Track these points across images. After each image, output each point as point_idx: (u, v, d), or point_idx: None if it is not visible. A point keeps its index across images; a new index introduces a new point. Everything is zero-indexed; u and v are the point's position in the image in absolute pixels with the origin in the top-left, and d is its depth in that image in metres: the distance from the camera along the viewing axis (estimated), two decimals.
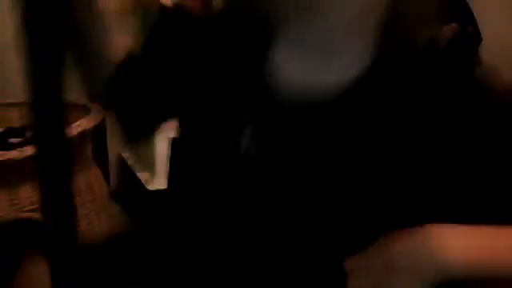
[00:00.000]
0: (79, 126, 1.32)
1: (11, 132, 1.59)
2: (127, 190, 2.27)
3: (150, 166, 1.86)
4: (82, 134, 1.33)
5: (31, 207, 1.26)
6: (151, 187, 1.80)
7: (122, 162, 2.26)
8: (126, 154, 2.15)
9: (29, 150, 1.19)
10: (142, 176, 1.87)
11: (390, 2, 0.42)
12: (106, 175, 2.20)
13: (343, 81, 0.43)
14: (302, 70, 0.44)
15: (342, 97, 0.43)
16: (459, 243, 0.43)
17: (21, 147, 1.22)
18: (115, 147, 2.19)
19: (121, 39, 0.54)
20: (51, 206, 0.50)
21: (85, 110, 1.54)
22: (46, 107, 0.47)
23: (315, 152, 0.46)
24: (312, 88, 0.44)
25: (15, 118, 1.74)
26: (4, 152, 1.19)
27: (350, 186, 0.46)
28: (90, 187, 1.44)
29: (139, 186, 1.87)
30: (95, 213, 1.45)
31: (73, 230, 0.51)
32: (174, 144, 0.59)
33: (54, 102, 0.47)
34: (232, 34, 0.48)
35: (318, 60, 0.43)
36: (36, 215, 1.27)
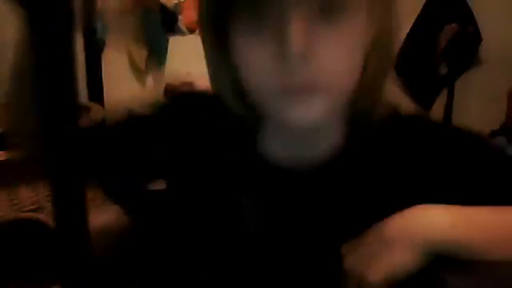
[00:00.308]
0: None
1: None
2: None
3: None
4: None
5: (31, 207, 1.26)
6: (151, 187, 1.80)
7: None
8: None
9: None
10: None
11: (355, 85, 0.47)
12: None
13: (322, 155, 0.52)
14: (286, 147, 0.53)
15: (322, 167, 0.52)
16: (445, 214, 0.48)
17: None
18: None
19: None
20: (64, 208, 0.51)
21: (85, 110, 1.54)
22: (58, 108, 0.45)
23: (303, 216, 0.53)
24: (295, 161, 0.52)
25: None
26: (4, 152, 1.19)
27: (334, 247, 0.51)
28: (89, 187, 1.44)
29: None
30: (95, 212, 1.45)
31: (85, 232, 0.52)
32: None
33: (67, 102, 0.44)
34: (226, 117, 0.54)
35: (297, 140, 0.52)
36: (36, 215, 1.27)
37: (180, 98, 0.64)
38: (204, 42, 0.50)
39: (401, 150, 0.53)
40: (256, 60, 0.44)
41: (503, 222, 0.49)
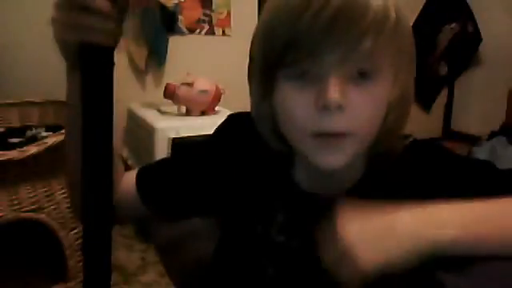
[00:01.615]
0: None
1: (11, 132, 1.59)
2: None
3: None
4: None
5: (31, 207, 1.26)
6: None
7: (121, 161, 2.25)
8: (126, 154, 2.16)
9: (29, 150, 1.19)
10: None
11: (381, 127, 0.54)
12: None
13: (345, 187, 0.59)
14: (313, 179, 0.62)
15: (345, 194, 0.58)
16: (454, 223, 0.49)
17: (21, 147, 1.22)
18: (115, 147, 2.18)
19: None
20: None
21: None
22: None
23: None
24: (321, 189, 0.61)
25: (15, 118, 1.74)
26: (4, 152, 1.19)
27: None
28: None
29: None
30: None
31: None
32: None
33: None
34: (266, 151, 0.62)
35: (323, 176, 0.58)
36: (36, 215, 1.27)
37: (234, 121, 0.71)
38: (251, 85, 0.59)
39: (415, 179, 0.58)
40: (296, 108, 0.52)
41: (496, 213, 0.50)
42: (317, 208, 0.59)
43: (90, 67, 0.54)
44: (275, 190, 0.64)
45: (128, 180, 0.68)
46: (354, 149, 0.53)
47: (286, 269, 0.63)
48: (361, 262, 0.47)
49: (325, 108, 0.49)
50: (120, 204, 0.64)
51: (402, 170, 0.58)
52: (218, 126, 0.70)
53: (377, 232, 0.49)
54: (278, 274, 0.63)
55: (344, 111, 0.49)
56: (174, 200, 0.68)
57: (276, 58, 0.51)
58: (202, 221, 0.71)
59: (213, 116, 1.98)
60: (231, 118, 0.70)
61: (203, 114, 1.98)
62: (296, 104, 0.51)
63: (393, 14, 0.49)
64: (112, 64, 0.56)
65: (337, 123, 0.50)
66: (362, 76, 0.50)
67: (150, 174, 0.69)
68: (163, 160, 0.72)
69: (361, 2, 0.48)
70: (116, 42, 0.55)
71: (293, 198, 0.63)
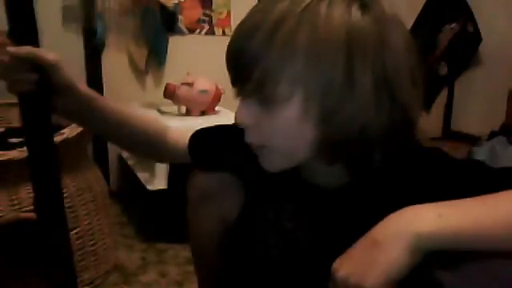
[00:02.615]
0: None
1: (11, 132, 1.59)
2: (127, 189, 2.28)
3: (150, 166, 1.86)
4: (82, 134, 1.32)
5: (31, 207, 1.26)
6: (151, 187, 1.81)
7: (121, 161, 2.27)
8: (125, 154, 2.16)
9: None
10: (142, 176, 1.87)
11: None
12: (106, 175, 2.22)
13: (337, 183, 0.64)
14: (309, 176, 0.66)
15: (344, 188, 0.63)
16: (432, 208, 0.49)
17: (21, 147, 1.22)
18: (115, 147, 2.19)
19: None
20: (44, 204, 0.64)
21: None
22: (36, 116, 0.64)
23: (326, 222, 0.66)
24: (323, 184, 0.65)
25: (15, 118, 1.74)
26: (4, 152, 1.19)
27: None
28: (90, 187, 1.44)
29: (139, 185, 1.87)
30: (95, 213, 1.45)
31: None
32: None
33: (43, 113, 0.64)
34: None
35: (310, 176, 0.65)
36: (36, 215, 1.27)
37: None
38: None
39: (407, 176, 0.59)
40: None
41: (492, 209, 0.49)
42: (320, 198, 0.65)
43: (28, 113, 0.63)
44: (286, 181, 0.67)
45: (182, 133, 0.80)
46: (279, 158, 0.60)
47: (290, 252, 0.68)
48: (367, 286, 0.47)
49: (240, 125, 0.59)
50: (168, 146, 0.79)
51: (389, 175, 0.59)
52: None
53: (362, 261, 0.49)
54: (282, 256, 0.68)
55: (252, 129, 0.58)
56: (215, 160, 0.77)
57: None
58: (231, 178, 0.77)
59: (213, 116, 1.98)
60: None
61: (203, 114, 1.98)
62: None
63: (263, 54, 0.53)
64: (48, 108, 0.64)
65: (248, 137, 0.59)
66: (266, 102, 0.55)
67: (203, 134, 0.79)
68: (218, 126, 0.81)
69: (247, 54, 0.54)
70: (45, 89, 0.63)
71: (300, 189, 0.67)
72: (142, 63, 2.25)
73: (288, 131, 0.57)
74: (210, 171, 0.77)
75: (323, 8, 0.52)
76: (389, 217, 0.50)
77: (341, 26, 0.52)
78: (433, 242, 0.47)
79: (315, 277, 0.60)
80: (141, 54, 2.23)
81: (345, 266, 0.50)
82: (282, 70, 0.53)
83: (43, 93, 0.63)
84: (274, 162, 0.61)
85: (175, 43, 2.30)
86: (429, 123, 3.34)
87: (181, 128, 0.83)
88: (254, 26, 0.54)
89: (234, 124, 0.76)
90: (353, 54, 0.52)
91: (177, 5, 2.28)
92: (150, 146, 0.80)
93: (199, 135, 0.79)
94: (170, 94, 1.92)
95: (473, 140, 2.80)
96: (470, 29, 3.14)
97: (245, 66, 0.54)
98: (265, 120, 0.57)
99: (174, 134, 0.80)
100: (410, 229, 0.47)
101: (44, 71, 0.64)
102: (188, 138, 0.78)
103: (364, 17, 0.53)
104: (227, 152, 0.76)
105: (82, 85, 0.70)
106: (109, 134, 0.80)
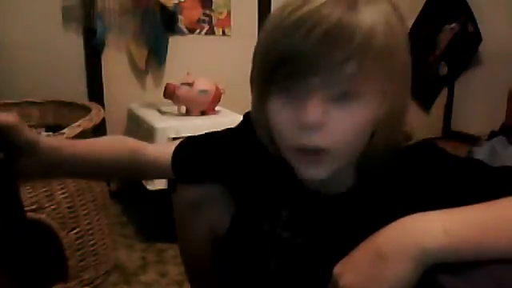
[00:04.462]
0: (79, 126, 1.32)
1: None
2: (127, 189, 2.28)
3: None
4: (82, 134, 1.32)
5: (31, 207, 1.26)
6: (151, 187, 1.82)
7: None
8: None
9: None
10: None
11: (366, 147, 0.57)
12: None
13: (340, 189, 0.63)
14: (309, 182, 0.64)
15: (343, 194, 0.63)
16: (437, 218, 0.48)
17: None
18: None
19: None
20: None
21: (85, 110, 1.55)
22: None
23: (325, 228, 0.64)
24: (323, 191, 0.64)
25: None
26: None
27: None
28: (90, 187, 1.44)
29: (139, 186, 1.87)
30: (95, 213, 1.45)
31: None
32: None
33: None
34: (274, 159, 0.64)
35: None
36: (36, 215, 1.27)
37: (246, 123, 0.73)
38: (252, 90, 0.61)
39: (411, 178, 0.59)
40: (281, 122, 0.55)
41: (498, 216, 0.49)
42: (319, 205, 0.64)
43: None
44: (281, 188, 0.67)
45: (164, 147, 0.78)
46: (336, 163, 0.56)
47: (289, 263, 0.66)
48: None
49: (303, 127, 0.52)
50: (149, 165, 0.75)
51: (394, 178, 0.59)
52: (238, 125, 0.75)
53: (368, 274, 0.48)
54: (280, 267, 0.66)
55: (322, 129, 0.52)
56: (200, 170, 0.75)
57: (268, 74, 0.54)
58: (220, 189, 0.75)
59: (213, 116, 1.98)
60: (247, 118, 0.73)
61: (203, 114, 1.98)
62: (280, 118, 0.55)
63: (380, 38, 0.50)
64: (12, 178, 0.63)
65: (315, 140, 0.53)
66: (345, 97, 0.52)
67: (187, 147, 0.77)
68: (203, 135, 0.79)
69: (348, 26, 0.49)
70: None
71: (297, 195, 0.66)
72: (142, 63, 2.25)
73: (362, 131, 0.54)
74: (197, 184, 0.75)
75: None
76: (393, 226, 0.49)
77: (402, 23, 0.54)
78: (439, 258, 0.47)
79: (315, 286, 0.59)
80: (141, 54, 2.23)
81: (349, 275, 0.49)
82: (377, 65, 0.52)
83: (6, 160, 0.62)
84: (328, 168, 0.56)
85: (175, 43, 2.30)
86: (429, 123, 3.35)
87: (164, 141, 0.85)
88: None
89: (218, 131, 0.75)
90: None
91: (177, 5, 2.28)
92: (131, 170, 0.77)
93: (182, 149, 0.77)
94: (169, 93, 1.92)
95: (473, 140, 2.80)
96: (470, 29, 3.14)
97: (345, 54, 0.49)
98: (339, 118, 0.52)
99: (154, 152, 0.77)
100: (418, 245, 0.46)
101: (4, 134, 0.61)
102: (169, 154, 0.75)
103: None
104: (214, 162, 0.74)
105: (44, 139, 0.67)
106: (84, 175, 0.82)
